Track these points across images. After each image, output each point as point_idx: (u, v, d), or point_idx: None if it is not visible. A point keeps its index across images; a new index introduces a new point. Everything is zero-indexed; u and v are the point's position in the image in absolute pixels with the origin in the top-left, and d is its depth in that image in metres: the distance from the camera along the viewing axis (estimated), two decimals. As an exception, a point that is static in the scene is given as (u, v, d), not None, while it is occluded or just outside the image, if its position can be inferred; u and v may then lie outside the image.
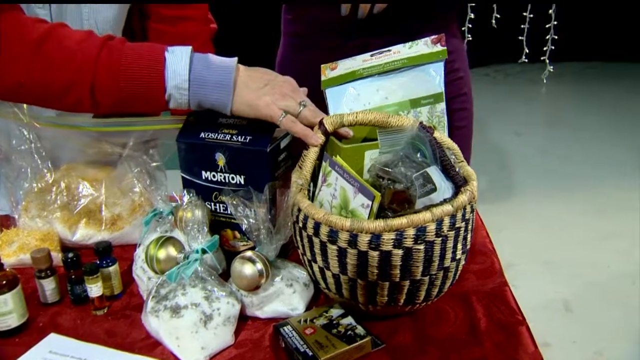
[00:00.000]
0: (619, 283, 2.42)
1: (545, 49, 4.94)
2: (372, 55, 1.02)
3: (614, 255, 2.60)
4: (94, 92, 0.89)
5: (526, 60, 5.42)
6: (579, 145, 3.88)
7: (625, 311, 2.23)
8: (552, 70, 5.40)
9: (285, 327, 0.84)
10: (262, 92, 0.91)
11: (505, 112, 4.53)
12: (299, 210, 0.84)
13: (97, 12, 1.12)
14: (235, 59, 0.93)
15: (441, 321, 0.87)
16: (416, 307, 0.86)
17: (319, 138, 0.90)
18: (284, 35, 1.37)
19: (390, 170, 0.81)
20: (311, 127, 0.91)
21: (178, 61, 0.89)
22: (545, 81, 5.14)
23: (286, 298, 0.89)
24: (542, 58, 5.41)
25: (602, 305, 2.28)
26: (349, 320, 0.85)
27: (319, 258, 0.83)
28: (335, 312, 0.86)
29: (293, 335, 0.82)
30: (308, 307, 0.90)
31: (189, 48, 0.91)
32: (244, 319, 0.89)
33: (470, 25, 4.83)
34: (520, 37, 5.23)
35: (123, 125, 1.07)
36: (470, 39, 4.85)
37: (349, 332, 0.82)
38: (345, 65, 1.02)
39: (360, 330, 0.82)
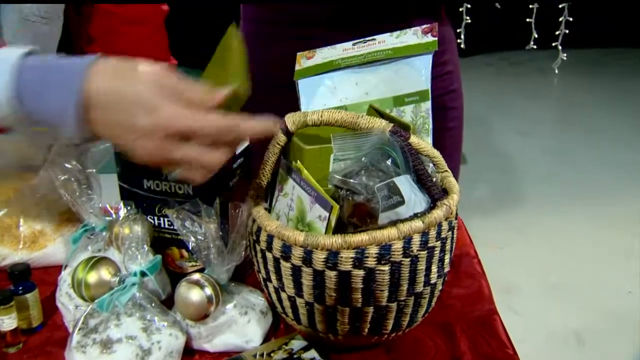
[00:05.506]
0: (640, 310, 2.44)
1: (557, 33, 5.01)
2: (354, 44, 1.03)
3: (635, 278, 2.61)
4: None
5: (535, 47, 5.44)
6: (594, 147, 3.91)
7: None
8: (565, 58, 5.44)
9: (238, 363, 0.85)
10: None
11: (509, 109, 4.55)
12: (254, 220, 0.86)
13: None
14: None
15: (418, 355, 0.89)
16: (384, 337, 0.87)
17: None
18: (246, 21, 1.35)
19: (349, 180, 0.81)
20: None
21: None
22: (557, 71, 5.22)
23: (240, 328, 0.90)
24: (553, 44, 5.43)
25: (621, 338, 2.28)
26: (312, 354, 0.86)
27: (273, 277, 0.85)
28: (296, 344, 0.88)
29: (247, 373, 0.83)
30: (266, 339, 0.92)
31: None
32: (190, 354, 0.90)
33: (469, 5, 4.83)
34: (528, 19, 5.27)
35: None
36: (470, 21, 4.89)
37: (312, 369, 0.84)
38: (324, 54, 1.03)
39: (324, 365, 0.84)
